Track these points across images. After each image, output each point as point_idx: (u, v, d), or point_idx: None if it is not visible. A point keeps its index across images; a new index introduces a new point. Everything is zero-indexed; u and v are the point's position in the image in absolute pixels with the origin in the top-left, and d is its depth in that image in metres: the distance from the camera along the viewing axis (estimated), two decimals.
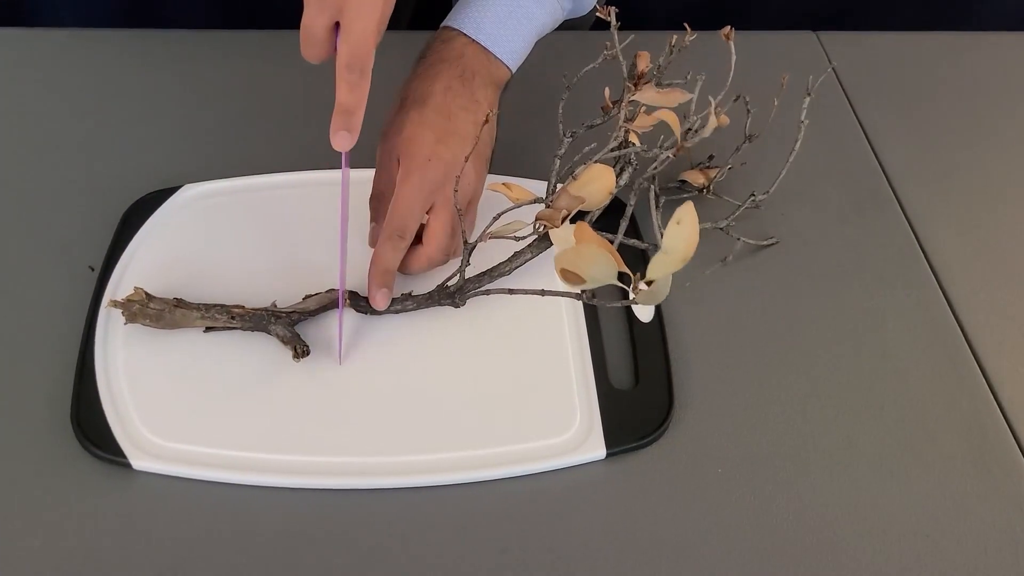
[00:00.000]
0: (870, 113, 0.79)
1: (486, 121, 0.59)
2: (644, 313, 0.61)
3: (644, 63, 0.60)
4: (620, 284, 0.50)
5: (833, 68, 0.81)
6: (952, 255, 0.68)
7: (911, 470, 0.55)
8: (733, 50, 0.59)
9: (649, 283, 0.49)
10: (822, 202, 0.71)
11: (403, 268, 0.60)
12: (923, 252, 0.68)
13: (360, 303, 0.59)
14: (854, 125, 0.78)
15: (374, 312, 0.59)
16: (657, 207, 0.58)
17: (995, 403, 0.59)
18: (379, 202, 0.61)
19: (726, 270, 0.65)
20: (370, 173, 0.62)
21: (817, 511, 0.53)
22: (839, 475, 0.55)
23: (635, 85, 0.60)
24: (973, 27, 0.90)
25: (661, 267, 0.48)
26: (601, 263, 0.49)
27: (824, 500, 0.53)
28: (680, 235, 0.47)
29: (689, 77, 0.58)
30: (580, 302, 0.61)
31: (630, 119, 0.59)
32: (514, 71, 0.66)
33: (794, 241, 0.68)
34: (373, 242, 0.61)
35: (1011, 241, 0.69)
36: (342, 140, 0.51)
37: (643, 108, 0.59)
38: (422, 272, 0.61)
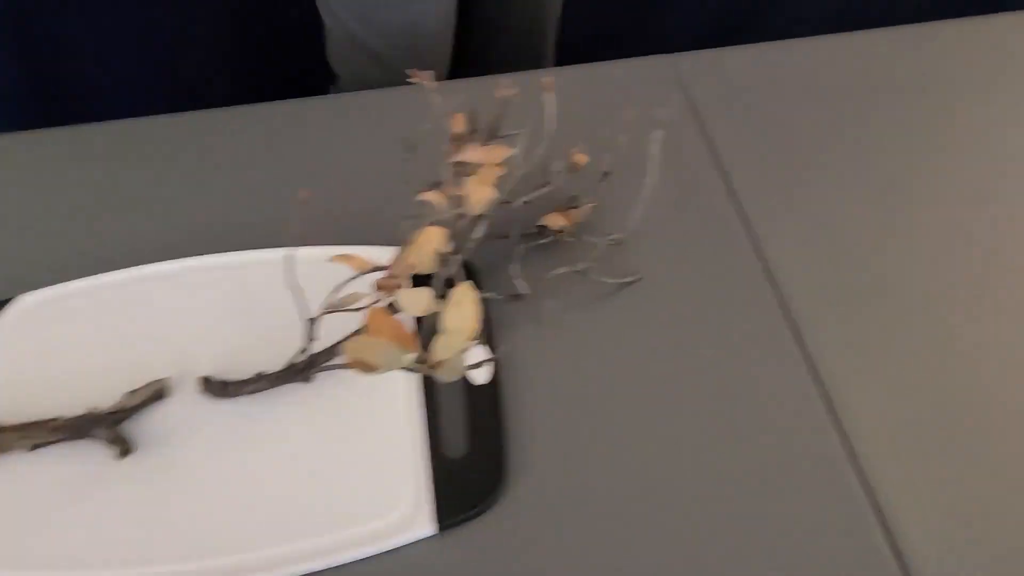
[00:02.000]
0: (721, 134, 0.79)
1: None
2: (478, 375, 0.60)
3: (459, 125, 0.61)
4: (413, 369, 0.50)
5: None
6: (796, 275, 0.68)
7: (768, 513, 0.54)
8: (554, 101, 0.60)
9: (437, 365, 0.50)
10: (670, 235, 0.70)
11: None
12: (769, 275, 0.67)
13: (213, 388, 0.59)
14: (702, 147, 0.78)
15: (225, 395, 0.58)
16: (519, 257, 0.59)
17: (837, 431, 0.58)
18: None
19: (569, 319, 0.64)
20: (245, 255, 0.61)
21: (668, 567, 0.52)
22: (689, 529, 0.54)
23: (459, 147, 0.61)
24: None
25: (447, 348, 0.48)
26: (389, 352, 0.48)
27: (679, 552, 0.53)
28: (460, 315, 0.48)
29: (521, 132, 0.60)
30: (417, 376, 0.60)
31: (467, 174, 0.60)
32: None
33: (643, 281, 0.67)
34: None
35: (854, 264, 0.69)
36: None
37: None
38: None
